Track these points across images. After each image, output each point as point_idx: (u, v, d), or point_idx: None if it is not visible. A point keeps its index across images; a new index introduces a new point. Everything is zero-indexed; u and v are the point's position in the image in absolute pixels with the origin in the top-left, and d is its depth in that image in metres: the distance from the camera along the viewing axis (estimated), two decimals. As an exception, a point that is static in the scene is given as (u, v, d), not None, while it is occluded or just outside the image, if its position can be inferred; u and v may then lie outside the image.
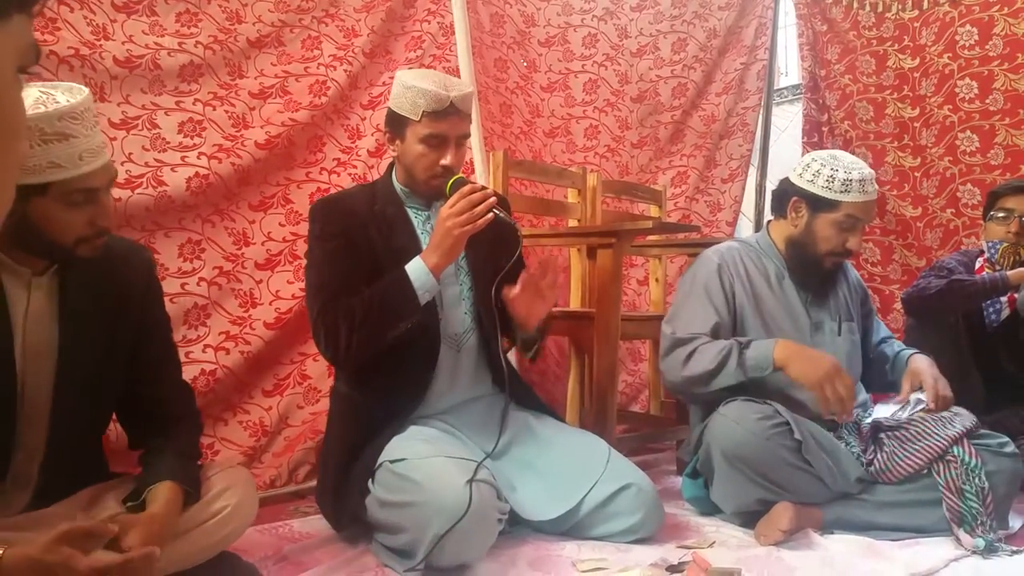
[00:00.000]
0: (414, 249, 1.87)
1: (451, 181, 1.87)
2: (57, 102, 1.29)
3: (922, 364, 2.16)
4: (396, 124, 1.91)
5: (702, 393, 2.06)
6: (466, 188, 1.80)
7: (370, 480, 1.77)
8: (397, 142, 1.92)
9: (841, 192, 2.08)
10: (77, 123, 1.30)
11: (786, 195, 2.19)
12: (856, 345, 2.28)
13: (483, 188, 1.83)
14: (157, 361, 1.58)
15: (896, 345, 2.35)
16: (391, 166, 2.02)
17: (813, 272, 2.20)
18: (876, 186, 2.12)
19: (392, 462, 1.74)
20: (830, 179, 2.09)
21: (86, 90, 1.35)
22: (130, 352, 1.52)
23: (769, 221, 2.32)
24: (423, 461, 1.70)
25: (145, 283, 1.57)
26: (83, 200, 1.33)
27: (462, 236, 1.78)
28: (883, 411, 2.11)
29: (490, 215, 1.79)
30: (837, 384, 1.89)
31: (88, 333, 1.43)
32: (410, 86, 1.85)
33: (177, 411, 1.58)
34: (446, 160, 1.87)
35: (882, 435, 1.98)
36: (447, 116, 1.85)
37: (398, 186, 1.98)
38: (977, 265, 2.66)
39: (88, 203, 1.34)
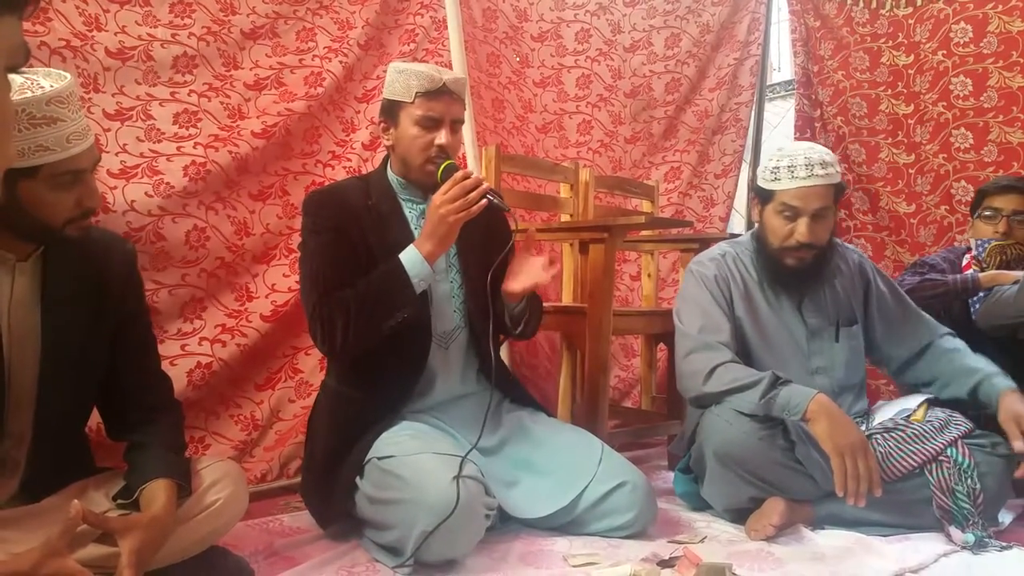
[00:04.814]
0: (408, 244, 1.84)
1: (442, 166, 1.85)
2: (42, 87, 1.29)
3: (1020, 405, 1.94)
4: (390, 111, 1.91)
5: (712, 403, 2.00)
6: (459, 174, 1.78)
7: (358, 476, 1.77)
8: (391, 130, 1.92)
9: (772, 180, 2.05)
10: (64, 107, 1.31)
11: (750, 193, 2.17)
12: (857, 352, 2.19)
13: (475, 175, 1.80)
14: (136, 349, 1.58)
15: (970, 357, 2.13)
16: (386, 159, 2.00)
17: (776, 269, 2.12)
18: (817, 171, 1.99)
19: (380, 459, 1.74)
20: (764, 168, 2.08)
21: (68, 75, 1.35)
22: (110, 339, 1.52)
23: None
24: (410, 458, 1.70)
25: (126, 273, 1.57)
26: (71, 181, 1.35)
27: (456, 223, 1.77)
28: (885, 414, 2.08)
29: (484, 201, 1.77)
30: (859, 460, 1.79)
31: (70, 318, 1.44)
32: (403, 70, 1.87)
33: (156, 400, 1.58)
34: (440, 139, 1.85)
35: (877, 436, 1.96)
36: (440, 96, 1.85)
37: (393, 177, 1.97)
38: (964, 262, 2.67)
39: (75, 184, 1.36)
